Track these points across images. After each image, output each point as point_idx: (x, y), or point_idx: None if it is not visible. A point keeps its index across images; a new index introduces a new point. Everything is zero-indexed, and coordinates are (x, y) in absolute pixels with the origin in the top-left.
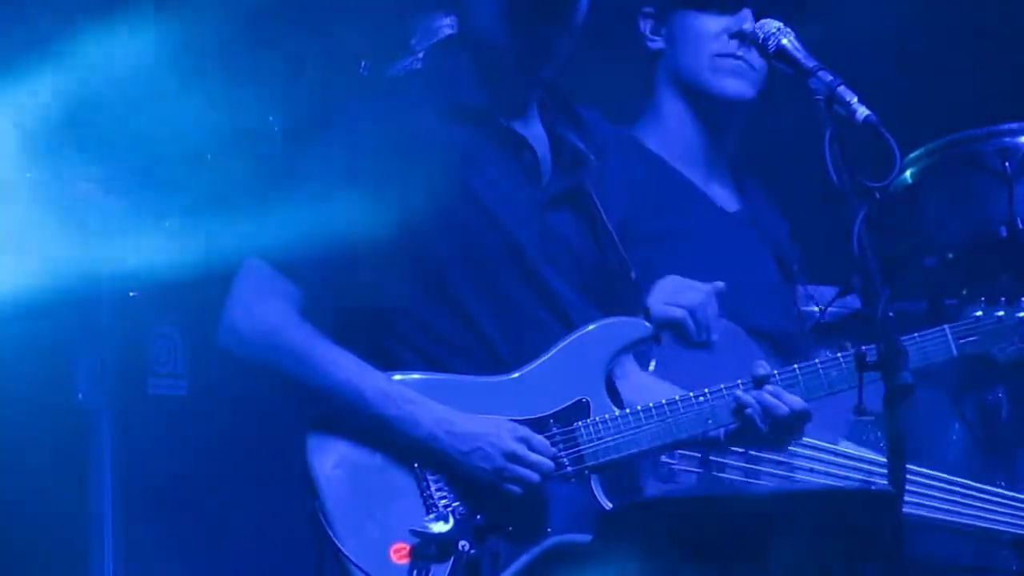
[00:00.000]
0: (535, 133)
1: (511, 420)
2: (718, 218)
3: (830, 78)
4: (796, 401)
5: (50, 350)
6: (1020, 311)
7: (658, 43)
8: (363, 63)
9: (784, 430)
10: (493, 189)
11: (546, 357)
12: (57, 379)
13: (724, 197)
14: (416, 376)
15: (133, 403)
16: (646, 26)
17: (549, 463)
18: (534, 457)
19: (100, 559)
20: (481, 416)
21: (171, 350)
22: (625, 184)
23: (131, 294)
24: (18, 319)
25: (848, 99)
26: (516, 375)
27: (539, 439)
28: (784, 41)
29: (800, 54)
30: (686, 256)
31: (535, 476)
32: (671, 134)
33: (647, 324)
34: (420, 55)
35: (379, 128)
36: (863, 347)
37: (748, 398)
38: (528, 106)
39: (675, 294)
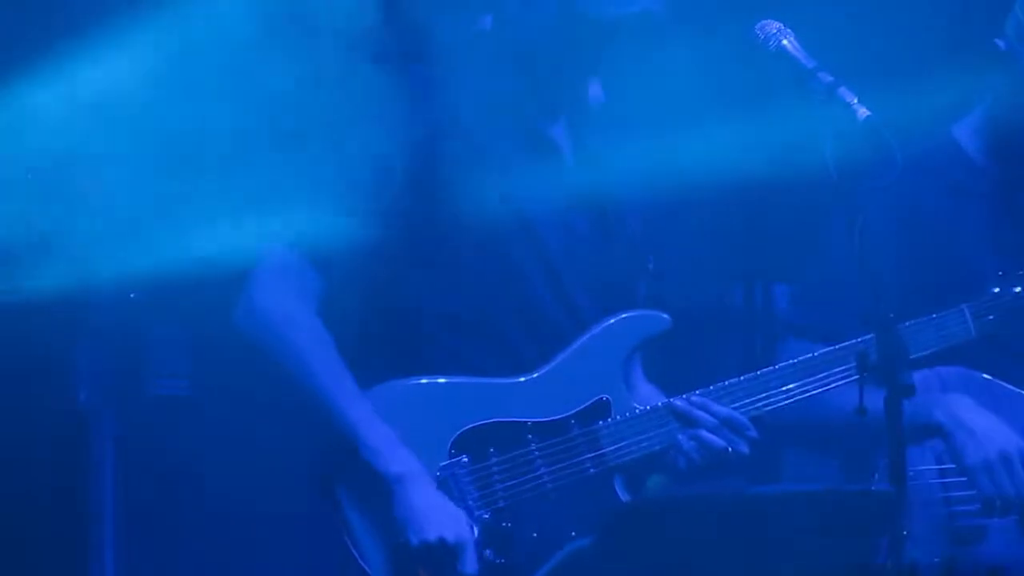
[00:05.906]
0: (560, 134)
1: (532, 423)
2: None
3: (830, 79)
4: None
5: (50, 350)
6: None
7: None
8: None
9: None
10: (520, 189)
11: (564, 356)
12: (57, 379)
13: None
14: (427, 381)
15: (133, 403)
16: None
17: None
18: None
19: (100, 559)
20: (447, 509)
21: (171, 350)
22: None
23: (131, 294)
24: (18, 319)
25: (848, 100)
26: (535, 375)
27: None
28: (784, 42)
29: (800, 55)
30: None
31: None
32: None
33: (665, 316)
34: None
35: (409, 123)
36: (864, 347)
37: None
38: (558, 107)
39: None
